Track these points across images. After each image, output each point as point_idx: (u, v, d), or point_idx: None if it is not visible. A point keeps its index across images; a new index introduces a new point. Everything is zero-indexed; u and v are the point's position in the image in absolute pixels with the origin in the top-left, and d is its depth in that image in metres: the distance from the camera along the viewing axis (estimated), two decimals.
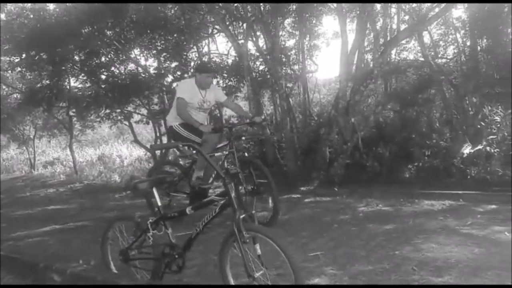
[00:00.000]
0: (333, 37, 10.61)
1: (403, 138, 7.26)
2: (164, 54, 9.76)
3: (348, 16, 8.86)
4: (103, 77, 9.96)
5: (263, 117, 5.03)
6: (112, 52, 9.63)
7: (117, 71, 10.11)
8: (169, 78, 10.07)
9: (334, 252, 3.52)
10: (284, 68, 8.97)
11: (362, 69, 6.91)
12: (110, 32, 9.43)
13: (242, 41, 8.29)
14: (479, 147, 6.45)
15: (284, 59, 9.02)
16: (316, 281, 2.92)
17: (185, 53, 9.80)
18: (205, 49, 10.91)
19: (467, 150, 6.54)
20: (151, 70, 10.01)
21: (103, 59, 9.81)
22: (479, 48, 8.66)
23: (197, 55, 10.19)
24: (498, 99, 7.34)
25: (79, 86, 10.97)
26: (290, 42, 10.35)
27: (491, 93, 7.73)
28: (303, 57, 9.43)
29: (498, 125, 6.69)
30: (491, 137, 6.58)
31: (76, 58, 9.90)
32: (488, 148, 6.41)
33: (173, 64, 9.99)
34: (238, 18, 8.58)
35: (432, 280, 2.77)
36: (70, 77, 10.96)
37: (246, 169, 4.32)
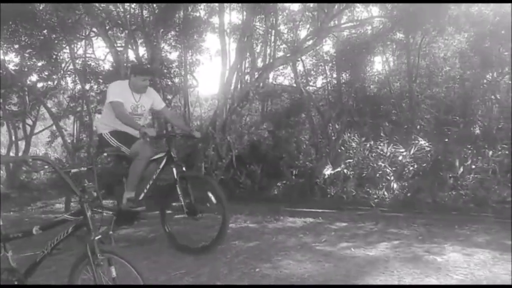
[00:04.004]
0: (216, 54, 10.83)
1: (274, 157, 7.68)
2: (29, 50, 8.71)
3: (230, 37, 9.15)
4: None
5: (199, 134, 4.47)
6: None
7: None
8: (34, 77, 9.01)
9: (198, 270, 3.47)
10: (164, 79, 8.79)
11: (240, 90, 7.16)
12: None
13: (121, 48, 7.90)
14: (338, 169, 7.18)
15: (165, 71, 8.84)
16: None
17: (55, 53, 8.88)
18: (80, 51, 10.09)
19: (328, 171, 7.22)
20: (11, 66, 8.81)
21: None
22: (342, 80, 9.78)
23: (69, 56, 9.33)
24: (355, 127, 8.33)
25: None
26: (173, 55, 10.25)
27: (350, 121, 8.75)
28: (185, 70, 9.39)
29: (354, 151, 7.55)
30: (348, 160, 7.38)
31: None
32: (345, 170, 7.16)
33: (40, 63, 8.97)
34: (119, 25, 8.15)
35: None
36: None
37: (185, 185, 3.87)
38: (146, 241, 4.46)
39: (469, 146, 6.60)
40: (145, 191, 3.95)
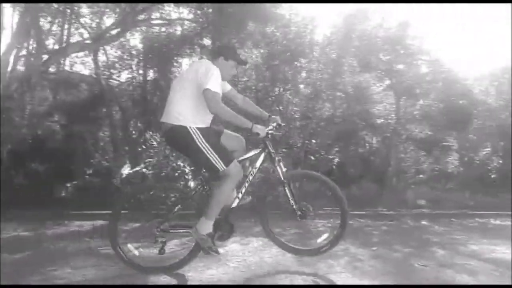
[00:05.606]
0: None
1: (65, 154, 6.81)
2: None
3: (14, 9, 7.66)
4: None
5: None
6: None
7: None
8: None
9: None
10: None
11: (20, 73, 6.03)
12: None
13: None
14: (137, 168, 6.89)
15: None
16: None
17: None
18: None
19: (126, 170, 6.85)
20: None
21: None
22: (148, 77, 9.53)
23: None
24: (156, 126, 8.19)
25: None
26: None
27: (153, 120, 8.57)
28: None
29: (156, 150, 7.39)
30: (149, 160, 7.18)
31: None
32: (144, 170, 6.93)
33: None
34: None
35: None
36: None
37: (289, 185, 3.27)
38: None
39: None
40: (240, 196, 3.23)
